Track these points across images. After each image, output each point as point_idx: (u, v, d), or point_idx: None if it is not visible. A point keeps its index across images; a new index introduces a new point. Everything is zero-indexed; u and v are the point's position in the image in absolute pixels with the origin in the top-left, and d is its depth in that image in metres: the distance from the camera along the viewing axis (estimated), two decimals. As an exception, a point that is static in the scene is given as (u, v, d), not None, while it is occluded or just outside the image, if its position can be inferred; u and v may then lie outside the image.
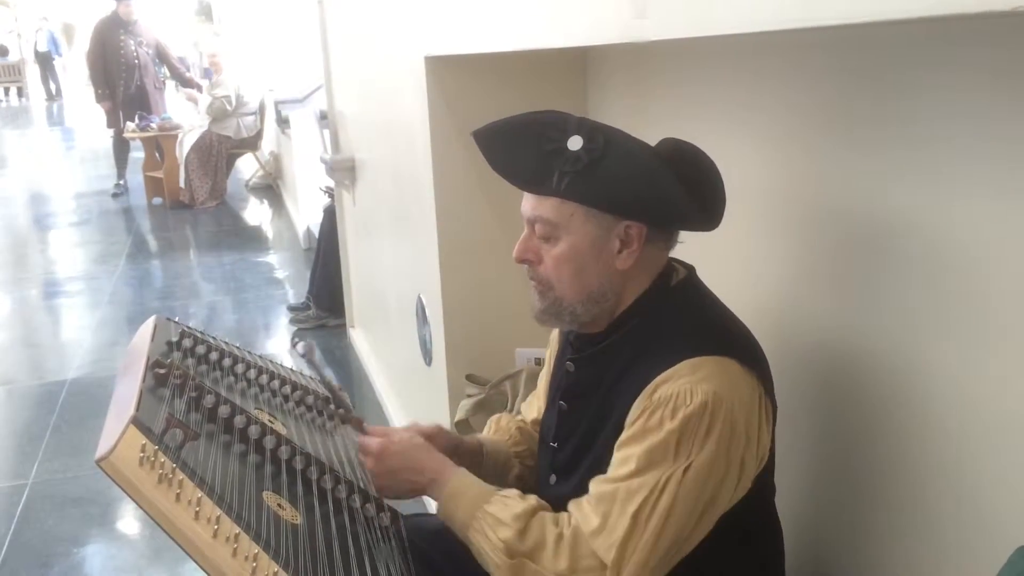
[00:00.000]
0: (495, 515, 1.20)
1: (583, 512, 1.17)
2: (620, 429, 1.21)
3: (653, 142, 1.29)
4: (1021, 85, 1.00)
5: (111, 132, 8.29)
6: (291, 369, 1.62)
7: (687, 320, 1.25)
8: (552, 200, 1.22)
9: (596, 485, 1.19)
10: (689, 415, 1.13)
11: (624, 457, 1.17)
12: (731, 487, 1.18)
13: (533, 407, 1.57)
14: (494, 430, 1.57)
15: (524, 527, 1.17)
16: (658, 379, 1.17)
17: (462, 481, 1.26)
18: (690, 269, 1.33)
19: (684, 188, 1.16)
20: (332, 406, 1.50)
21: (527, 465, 1.51)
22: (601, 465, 1.24)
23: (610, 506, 1.14)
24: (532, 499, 1.22)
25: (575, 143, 1.17)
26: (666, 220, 1.24)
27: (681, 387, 1.14)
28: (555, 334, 1.50)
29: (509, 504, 1.21)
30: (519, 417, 1.59)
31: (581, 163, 1.17)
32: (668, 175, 1.16)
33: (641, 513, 1.13)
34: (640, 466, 1.14)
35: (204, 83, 8.22)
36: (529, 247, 1.27)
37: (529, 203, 1.25)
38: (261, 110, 7.92)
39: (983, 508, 1.12)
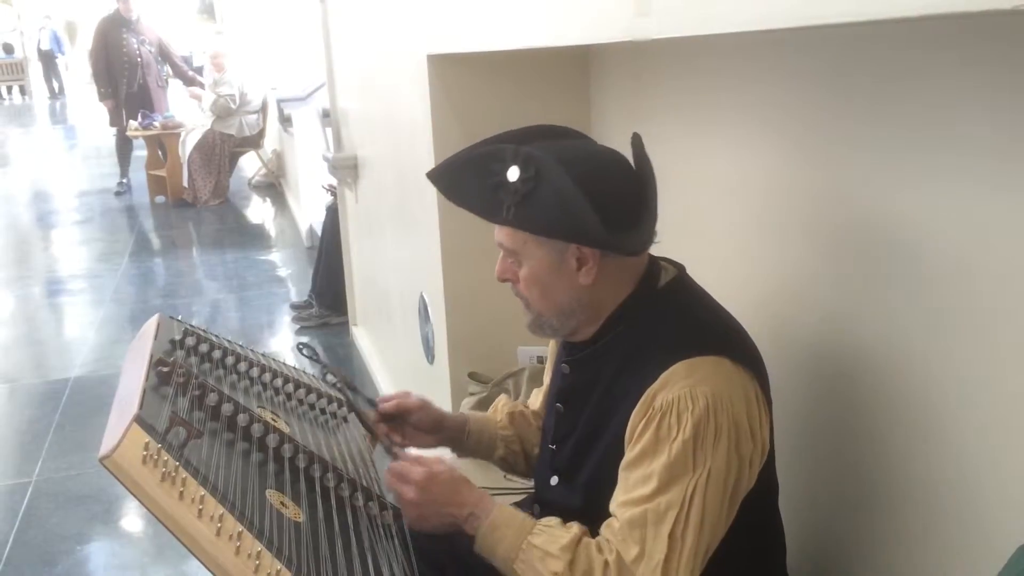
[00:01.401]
0: (542, 547, 1.19)
1: (619, 539, 1.17)
2: (620, 434, 1.22)
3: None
4: (1021, 84, 1.00)
5: (114, 130, 8.30)
6: (294, 367, 1.62)
7: (677, 321, 1.26)
8: (507, 228, 1.27)
9: (623, 509, 1.18)
10: (697, 422, 1.14)
11: (644, 475, 1.17)
12: (744, 482, 1.20)
13: (541, 399, 1.58)
14: (492, 410, 1.62)
15: (572, 558, 1.17)
16: (655, 385, 1.18)
17: (502, 513, 1.25)
18: (679, 268, 1.34)
19: (606, 218, 1.16)
20: (348, 409, 1.49)
21: (512, 450, 1.55)
22: (606, 469, 1.25)
23: (643, 530, 1.15)
24: (574, 527, 1.21)
25: (513, 174, 1.20)
26: (595, 247, 1.23)
27: (680, 392, 1.16)
28: None
29: (554, 535, 1.20)
30: (521, 404, 1.62)
31: (519, 194, 1.20)
32: (585, 208, 1.15)
33: (675, 531, 1.14)
34: (662, 482, 1.15)
35: (206, 81, 8.22)
36: (505, 268, 1.32)
37: (495, 230, 1.30)
38: (264, 108, 7.92)
39: (984, 506, 1.12)
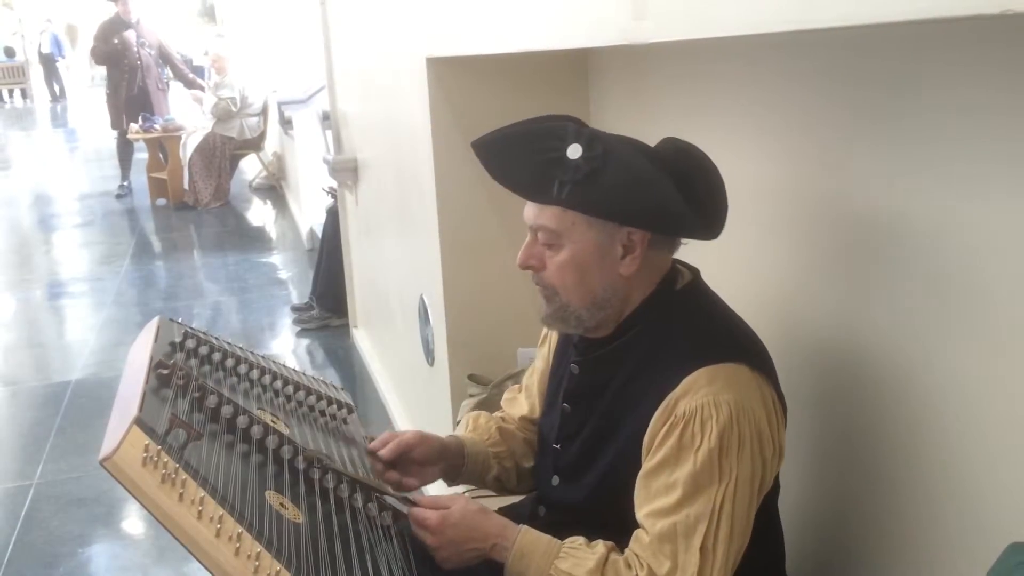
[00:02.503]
0: (570, 572, 1.18)
1: (649, 554, 1.16)
2: (635, 438, 1.21)
3: (655, 143, 1.29)
4: (1020, 83, 1.00)
5: (115, 133, 8.31)
6: (294, 369, 1.63)
7: (695, 326, 1.25)
8: (553, 209, 1.22)
9: (651, 522, 1.17)
10: (722, 430, 1.13)
11: (668, 483, 1.16)
12: (766, 485, 1.21)
13: (521, 404, 1.56)
14: (471, 428, 1.55)
15: None
16: (676, 392, 1.17)
17: (525, 539, 1.24)
18: (695, 272, 1.33)
19: (684, 197, 1.15)
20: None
21: (505, 466, 1.51)
22: (616, 471, 1.25)
23: (675, 544, 1.15)
24: (600, 546, 1.20)
25: (574, 152, 1.17)
26: (667, 229, 1.23)
27: (703, 400, 1.15)
28: (550, 333, 1.50)
29: (581, 558, 1.19)
30: (499, 415, 1.58)
31: (581, 172, 1.17)
32: (667, 185, 1.15)
33: (707, 544, 1.14)
34: (688, 492, 1.14)
35: (207, 83, 8.23)
36: (532, 254, 1.27)
37: (531, 211, 1.25)
38: (264, 111, 7.94)
39: (983, 506, 1.12)
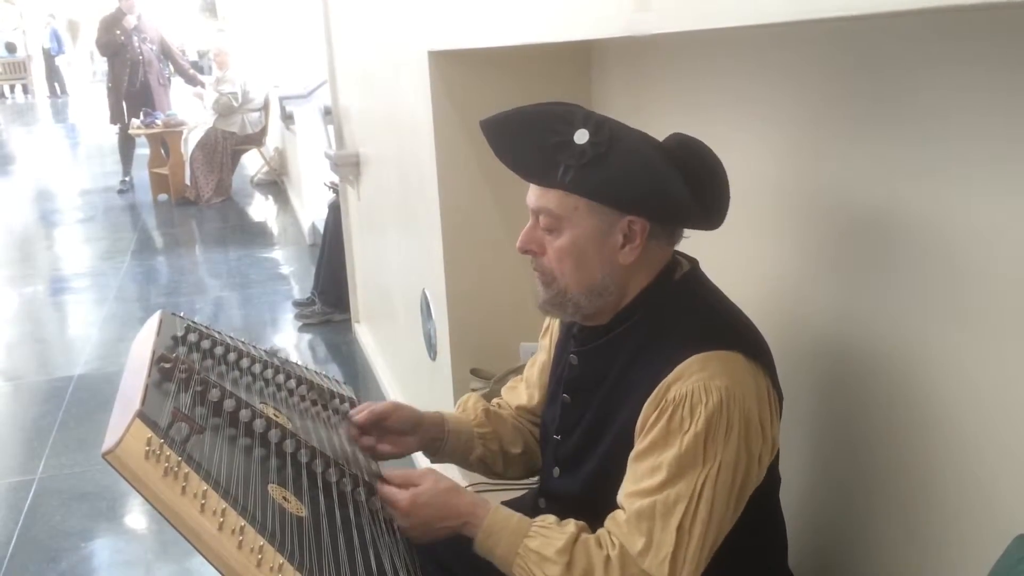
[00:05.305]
0: (538, 551, 1.18)
1: (624, 531, 1.17)
2: (630, 426, 1.21)
3: (657, 135, 1.29)
4: (1021, 82, 1.00)
5: (115, 128, 8.31)
6: (296, 363, 1.63)
7: (691, 315, 1.25)
8: (556, 192, 1.22)
9: (631, 501, 1.17)
10: (710, 415, 1.13)
11: (653, 466, 1.16)
12: (753, 477, 1.20)
13: (520, 393, 1.56)
14: (461, 410, 1.56)
15: (570, 560, 1.16)
16: (668, 378, 1.17)
17: (496, 517, 1.24)
18: (693, 263, 1.33)
19: (688, 187, 1.16)
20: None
21: (490, 448, 1.51)
22: (613, 460, 1.25)
23: (651, 522, 1.14)
24: (570, 525, 1.20)
25: (581, 136, 1.17)
26: (669, 218, 1.24)
27: (694, 385, 1.15)
28: (552, 325, 1.50)
29: (550, 536, 1.19)
30: (495, 401, 1.59)
31: (586, 157, 1.17)
32: (672, 173, 1.16)
33: (684, 524, 1.13)
34: (671, 474, 1.14)
35: (207, 79, 8.23)
36: (532, 238, 1.27)
37: (534, 194, 1.26)
38: (266, 106, 7.93)
39: (985, 497, 1.12)
